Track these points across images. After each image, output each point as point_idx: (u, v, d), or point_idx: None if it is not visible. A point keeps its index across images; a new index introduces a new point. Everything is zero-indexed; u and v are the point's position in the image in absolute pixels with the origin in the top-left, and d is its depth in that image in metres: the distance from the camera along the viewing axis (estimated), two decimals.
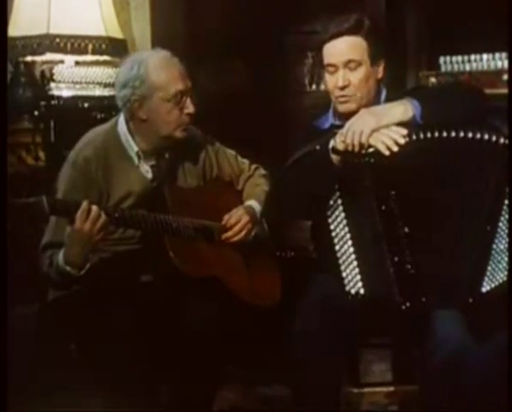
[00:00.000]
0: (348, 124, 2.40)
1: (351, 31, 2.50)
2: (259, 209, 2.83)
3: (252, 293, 2.73)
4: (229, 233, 2.73)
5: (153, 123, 2.63)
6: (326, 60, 2.54)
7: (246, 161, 2.95)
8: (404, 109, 2.38)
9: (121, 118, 2.69)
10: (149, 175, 2.70)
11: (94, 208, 2.41)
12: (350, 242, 2.37)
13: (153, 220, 2.56)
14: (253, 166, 2.96)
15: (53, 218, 2.54)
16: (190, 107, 2.64)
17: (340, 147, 2.37)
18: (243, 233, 2.75)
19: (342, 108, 2.54)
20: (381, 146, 2.32)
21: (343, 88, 2.51)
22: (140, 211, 2.57)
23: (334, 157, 2.39)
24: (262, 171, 2.97)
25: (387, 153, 2.31)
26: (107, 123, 2.76)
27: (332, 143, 2.40)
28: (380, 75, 2.56)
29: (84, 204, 2.40)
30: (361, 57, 2.50)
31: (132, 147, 2.67)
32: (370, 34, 2.52)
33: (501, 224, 2.32)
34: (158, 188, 2.68)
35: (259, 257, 2.82)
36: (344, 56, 2.50)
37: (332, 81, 2.53)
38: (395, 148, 2.31)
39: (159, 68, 2.61)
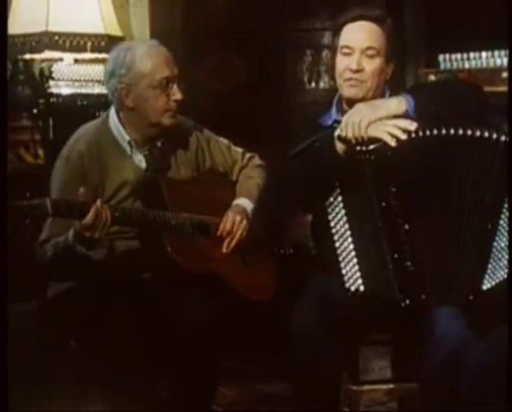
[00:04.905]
0: (345, 117, 2.39)
1: (376, 19, 2.49)
2: (250, 206, 2.82)
3: (246, 286, 2.74)
4: (229, 240, 2.74)
5: (141, 110, 2.63)
6: (344, 41, 2.51)
7: (239, 151, 2.93)
8: (397, 102, 2.38)
9: (112, 111, 2.70)
10: (143, 164, 2.70)
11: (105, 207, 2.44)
12: (350, 239, 2.36)
13: (152, 217, 2.57)
14: (247, 156, 2.94)
15: None
16: (177, 94, 2.64)
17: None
18: (239, 233, 2.75)
19: (349, 92, 2.51)
20: (387, 137, 2.31)
21: (356, 72, 2.48)
22: (140, 209, 2.58)
23: (339, 146, 2.38)
24: (257, 161, 2.95)
25: (393, 144, 2.30)
26: (98, 118, 2.77)
27: (337, 132, 2.38)
28: (388, 76, 2.55)
29: (98, 203, 2.42)
30: (380, 48, 2.49)
31: (124, 137, 2.67)
32: (390, 32, 2.52)
33: (502, 222, 2.31)
34: (155, 181, 2.67)
35: (253, 250, 2.81)
36: (365, 42, 2.48)
37: (344, 62, 2.50)
38: (403, 137, 2.30)
39: (145, 55, 2.62)
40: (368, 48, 2.48)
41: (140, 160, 2.70)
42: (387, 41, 2.51)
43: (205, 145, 2.85)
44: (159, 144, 2.71)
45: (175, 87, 2.64)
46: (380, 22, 2.50)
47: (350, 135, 2.34)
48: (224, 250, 2.74)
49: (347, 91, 2.52)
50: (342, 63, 2.51)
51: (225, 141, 2.92)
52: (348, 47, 2.50)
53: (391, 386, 2.64)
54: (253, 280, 2.78)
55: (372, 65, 2.49)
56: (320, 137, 2.44)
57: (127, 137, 2.67)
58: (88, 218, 2.41)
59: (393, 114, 2.36)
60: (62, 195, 2.59)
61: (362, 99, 2.47)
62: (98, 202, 2.44)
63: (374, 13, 2.52)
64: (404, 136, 2.30)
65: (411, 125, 2.31)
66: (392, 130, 2.31)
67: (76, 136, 2.71)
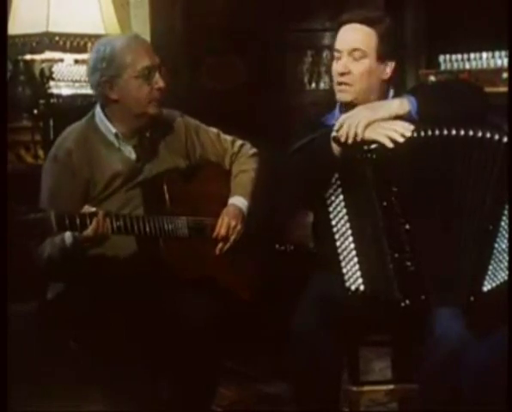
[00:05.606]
0: (342, 117, 2.39)
1: (366, 21, 2.49)
2: (245, 205, 2.82)
3: (234, 283, 2.75)
4: (223, 245, 2.75)
5: (125, 102, 2.64)
6: (335, 45, 2.53)
7: (228, 139, 2.92)
8: (399, 103, 2.38)
9: (97, 109, 2.71)
10: (133, 156, 2.70)
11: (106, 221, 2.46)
12: (351, 238, 2.36)
13: (152, 224, 2.58)
14: (238, 143, 2.92)
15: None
16: (159, 82, 2.65)
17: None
18: (233, 238, 2.76)
19: (339, 96, 2.53)
20: (385, 139, 2.31)
21: (342, 75, 2.49)
22: (140, 216, 2.59)
23: (334, 146, 2.38)
24: (249, 150, 2.93)
25: (390, 145, 2.30)
26: (84, 117, 2.76)
27: (334, 132, 2.38)
28: (386, 76, 2.53)
29: (100, 215, 2.44)
30: (367, 49, 2.48)
31: (110, 130, 2.67)
32: (385, 32, 2.50)
33: (503, 223, 2.31)
34: (156, 180, 2.69)
35: (243, 250, 2.82)
36: (351, 44, 2.48)
37: (335, 68, 2.52)
38: (401, 140, 2.30)
39: (125, 47, 2.62)
40: (355, 50, 2.48)
41: (129, 151, 2.70)
42: (380, 41, 2.49)
43: (194, 134, 2.85)
44: (147, 134, 2.72)
45: (157, 75, 2.65)
46: (372, 24, 2.49)
47: (345, 134, 2.34)
48: (217, 252, 2.75)
49: (338, 95, 2.53)
50: (334, 67, 2.53)
51: (214, 129, 2.91)
52: (337, 51, 2.52)
53: (391, 387, 2.63)
54: (239, 278, 2.78)
55: (359, 67, 2.48)
56: (320, 135, 2.43)
57: (113, 130, 2.67)
58: (90, 230, 2.43)
59: (394, 115, 2.36)
60: (53, 195, 2.61)
61: (353, 102, 2.47)
62: (100, 214, 2.45)
63: (366, 15, 2.50)
64: (401, 139, 2.30)
65: (408, 129, 2.31)
66: (389, 132, 2.31)
67: (62, 136, 2.72)
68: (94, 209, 2.47)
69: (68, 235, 2.49)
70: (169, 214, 2.65)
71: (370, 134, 2.33)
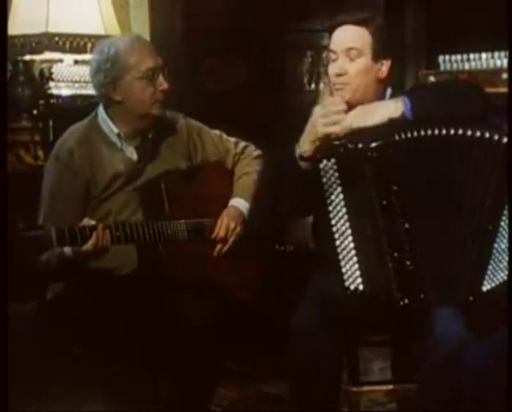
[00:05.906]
0: None
1: (359, 22, 2.50)
2: (246, 207, 2.82)
3: (234, 284, 2.75)
4: (222, 246, 2.75)
5: (128, 103, 2.64)
6: (330, 46, 2.55)
7: (231, 140, 2.93)
8: (394, 105, 2.39)
9: (100, 109, 2.71)
10: (134, 156, 2.71)
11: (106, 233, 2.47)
12: (350, 237, 2.37)
13: (151, 231, 2.58)
14: (242, 144, 2.93)
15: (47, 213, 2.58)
16: (163, 84, 2.65)
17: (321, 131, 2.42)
18: (232, 240, 2.76)
19: (337, 95, 2.54)
20: (322, 129, 2.40)
21: (339, 76, 2.51)
22: (139, 223, 2.59)
23: (301, 162, 2.41)
24: (253, 151, 2.94)
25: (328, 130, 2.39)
26: (87, 118, 2.77)
27: (297, 150, 2.43)
28: (383, 74, 2.54)
29: (99, 228, 2.45)
30: (362, 47, 2.49)
31: (113, 130, 2.68)
32: (378, 31, 2.51)
33: (503, 223, 2.31)
34: (155, 183, 2.69)
35: (242, 250, 2.82)
36: (346, 43, 2.50)
37: (331, 68, 2.54)
38: (335, 128, 2.38)
39: (128, 48, 2.63)
40: (350, 49, 2.50)
41: (131, 152, 2.71)
42: (374, 39, 2.50)
43: (196, 135, 2.85)
44: (150, 135, 2.72)
45: (161, 77, 2.65)
46: (364, 23, 2.51)
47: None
48: (215, 254, 2.75)
49: (336, 94, 2.54)
50: (330, 68, 2.55)
51: (216, 131, 2.91)
52: (333, 52, 2.53)
53: (391, 387, 2.64)
54: (238, 279, 2.78)
55: (355, 66, 2.50)
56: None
57: (116, 130, 2.68)
58: (89, 245, 2.44)
59: (388, 117, 2.38)
60: (54, 194, 2.62)
61: (349, 102, 2.49)
62: (99, 227, 2.46)
63: (359, 17, 2.52)
64: (335, 128, 2.39)
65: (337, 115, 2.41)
66: (324, 121, 2.41)
67: (64, 135, 2.72)
68: (93, 222, 2.48)
69: (67, 249, 2.49)
70: (168, 215, 2.65)
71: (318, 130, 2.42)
